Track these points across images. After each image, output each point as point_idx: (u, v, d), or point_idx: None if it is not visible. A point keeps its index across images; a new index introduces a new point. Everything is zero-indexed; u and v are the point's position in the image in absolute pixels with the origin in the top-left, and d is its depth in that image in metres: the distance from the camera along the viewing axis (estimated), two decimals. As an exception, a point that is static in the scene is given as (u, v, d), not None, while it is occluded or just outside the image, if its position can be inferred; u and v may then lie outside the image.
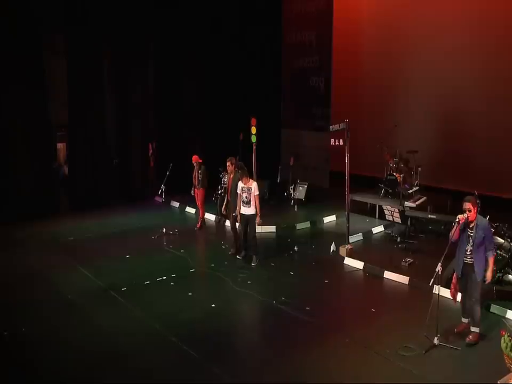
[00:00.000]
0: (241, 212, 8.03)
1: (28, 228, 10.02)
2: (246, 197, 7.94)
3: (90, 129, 11.86)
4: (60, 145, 12.93)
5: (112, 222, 10.69)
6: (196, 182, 10.18)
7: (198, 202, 10.28)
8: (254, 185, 7.95)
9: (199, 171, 10.06)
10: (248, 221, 7.99)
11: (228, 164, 8.78)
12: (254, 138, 10.07)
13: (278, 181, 13.39)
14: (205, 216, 10.56)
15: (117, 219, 10.95)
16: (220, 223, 10.80)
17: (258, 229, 9.90)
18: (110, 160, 12.50)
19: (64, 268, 7.95)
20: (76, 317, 6.33)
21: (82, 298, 6.83)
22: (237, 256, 8.27)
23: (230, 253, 8.49)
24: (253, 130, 10.01)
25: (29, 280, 7.45)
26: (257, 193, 7.93)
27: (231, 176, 8.70)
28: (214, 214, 10.91)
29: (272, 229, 10.10)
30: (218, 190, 11.34)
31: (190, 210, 11.56)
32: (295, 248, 8.93)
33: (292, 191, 11.97)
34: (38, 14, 10.79)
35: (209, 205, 10.94)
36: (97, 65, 11.87)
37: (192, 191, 10.26)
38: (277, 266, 8.13)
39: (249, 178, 8.01)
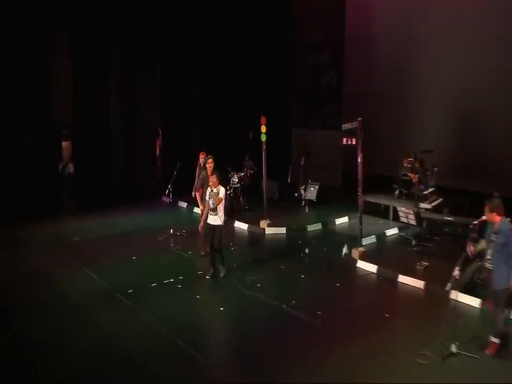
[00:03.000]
0: (208, 221, 7.39)
1: (32, 227, 10.07)
2: (212, 203, 7.26)
3: (95, 128, 11.93)
4: (65, 144, 13.00)
5: (118, 222, 10.71)
6: (197, 180, 10.07)
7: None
8: (221, 189, 7.30)
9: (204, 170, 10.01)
10: (214, 232, 7.34)
11: (210, 161, 8.35)
12: (264, 137, 10.03)
13: (289, 181, 13.42)
14: None
15: (123, 219, 10.98)
16: (227, 223, 10.76)
17: (269, 230, 10.05)
18: (115, 159, 12.54)
19: (68, 268, 7.97)
20: (81, 319, 6.33)
21: (87, 300, 6.83)
22: (206, 276, 7.54)
23: (208, 275, 7.62)
24: (263, 129, 9.97)
25: (33, 280, 7.47)
26: (222, 195, 7.21)
27: (210, 174, 8.26)
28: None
29: (282, 230, 10.10)
30: (227, 191, 11.27)
31: (198, 210, 11.46)
32: (306, 250, 8.93)
33: (302, 192, 11.98)
34: (42, 12, 10.89)
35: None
36: (103, 65, 11.94)
37: (194, 193, 9.68)
38: (287, 269, 8.10)
39: (218, 179, 7.27)
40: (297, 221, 10.69)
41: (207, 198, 7.48)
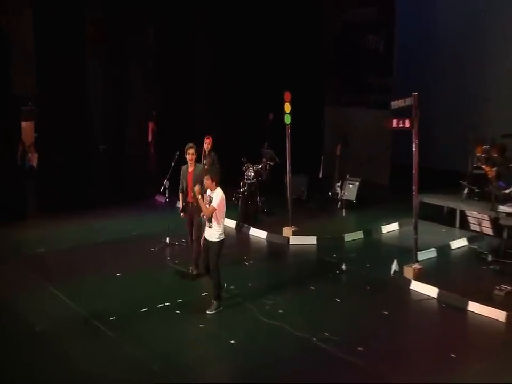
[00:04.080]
0: (204, 235, 7.37)
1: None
2: (195, 189, 7.39)
3: (68, 105, 11.96)
4: (26, 124, 13.11)
5: (98, 228, 10.73)
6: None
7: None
8: (218, 194, 7.15)
9: (206, 159, 10.05)
10: (208, 248, 7.29)
11: (191, 152, 8.39)
12: (288, 119, 10.01)
13: (320, 176, 13.38)
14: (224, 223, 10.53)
15: (104, 224, 11.00)
16: (241, 230, 10.82)
17: (294, 240, 10.02)
18: (95, 146, 12.60)
19: (32, 289, 7.99)
20: (48, 354, 6.30)
21: (56, 329, 6.81)
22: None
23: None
24: (287, 108, 9.96)
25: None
26: (216, 203, 7.08)
27: (190, 170, 8.43)
28: (234, 220, 10.93)
29: (311, 240, 10.08)
30: (240, 188, 11.29)
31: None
32: (343, 266, 8.92)
33: (338, 190, 11.97)
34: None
35: (228, 207, 10.86)
36: (78, 23, 11.97)
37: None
38: (318, 291, 8.06)
39: (216, 182, 7.18)
40: (331, 228, 10.72)
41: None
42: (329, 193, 12.18)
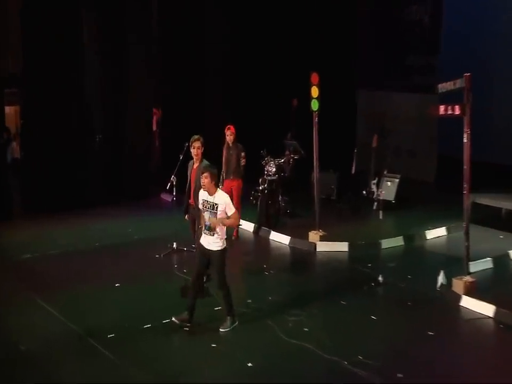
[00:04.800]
0: (200, 242, 7.22)
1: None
2: (209, 217, 7.00)
3: (58, 87, 12.07)
4: (9, 110, 13.22)
5: (95, 231, 10.81)
6: (226, 168, 10.27)
7: (234, 200, 10.31)
8: (221, 199, 6.94)
9: (232, 151, 10.15)
10: (211, 259, 7.14)
11: (197, 145, 8.39)
12: (315, 105, 10.04)
13: (353, 172, 13.45)
14: (240, 224, 10.68)
15: (102, 227, 11.09)
16: (260, 235, 10.89)
17: (322, 246, 10.01)
18: (91, 136, 12.72)
19: (16, 301, 8.02)
20: (35, 377, 6.30)
21: (44, 348, 6.82)
22: (173, 317, 7.23)
23: (175, 319, 7.27)
24: (314, 92, 9.99)
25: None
26: (232, 211, 6.94)
27: (195, 166, 8.46)
28: (252, 222, 11.04)
29: (342, 246, 10.10)
30: (259, 185, 11.30)
31: None
32: (380, 278, 8.90)
33: (374, 188, 12.01)
34: None
35: (245, 207, 11.00)
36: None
37: (221, 183, 10.25)
38: (350, 306, 8.04)
39: (215, 183, 7.01)
40: (365, 232, 10.77)
41: (200, 206, 7.21)
42: (364, 192, 12.23)
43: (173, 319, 7.24)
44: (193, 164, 8.57)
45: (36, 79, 12.02)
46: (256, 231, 10.99)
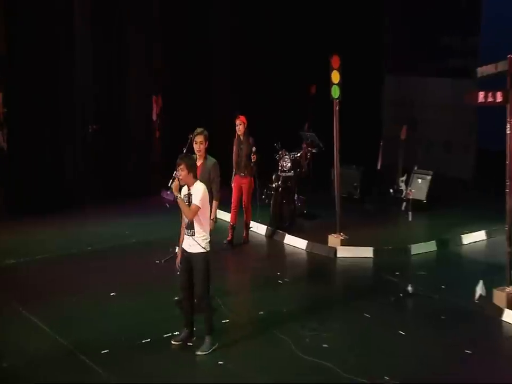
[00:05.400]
0: (182, 245, 7.21)
1: None
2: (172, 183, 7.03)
3: (46, 73, 12.06)
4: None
5: (87, 234, 10.83)
6: (236, 163, 10.33)
7: (244, 199, 10.45)
8: (196, 188, 6.93)
9: (242, 145, 10.16)
10: (191, 264, 7.07)
11: (199, 140, 8.40)
12: (336, 92, 9.99)
13: (379, 167, 13.44)
14: (251, 226, 10.72)
15: (96, 229, 11.10)
16: (273, 238, 10.87)
17: (343, 251, 10.01)
18: (83, 126, 12.71)
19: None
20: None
21: (29, 366, 6.78)
22: (172, 341, 7.22)
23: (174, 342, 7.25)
24: (335, 77, 9.94)
25: None
26: (198, 200, 6.85)
27: (198, 164, 8.32)
28: (265, 224, 11.05)
29: (366, 252, 10.11)
30: (273, 182, 11.29)
31: (223, 214, 11.56)
32: (408, 288, 8.82)
33: (403, 186, 11.97)
34: None
35: (257, 207, 11.03)
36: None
37: (231, 181, 10.39)
38: (375, 319, 8.00)
39: (194, 174, 6.97)
40: (393, 236, 10.76)
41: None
42: (391, 191, 12.21)
43: (172, 342, 7.21)
44: (196, 159, 8.47)
45: (21, 63, 12.03)
46: (269, 234, 10.99)
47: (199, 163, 8.40)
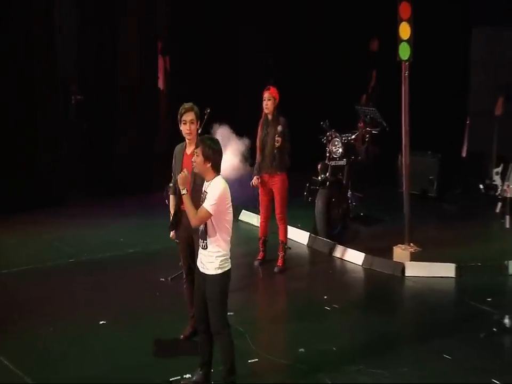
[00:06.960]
0: (197, 263, 7.21)
1: None
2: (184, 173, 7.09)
3: (20, 28, 12.24)
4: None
5: (69, 242, 10.95)
6: (260, 155, 10.19)
7: (277, 206, 10.31)
8: (213, 187, 6.83)
9: (270, 129, 10.08)
10: (206, 285, 7.05)
11: (189, 118, 8.09)
12: (405, 52, 9.95)
13: (464, 154, 13.38)
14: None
15: (80, 235, 11.24)
16: (318, 249, 10.90)
17: (414, 268, 10.01)
18: (66, 98, 12.94)
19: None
20: None
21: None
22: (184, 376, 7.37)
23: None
24: (404, 31, 9.91)
25: None
26: (212, 202, 6.72)
27: (188, 152, 8.19)
28: (307, 231, 11.13)
29: (446, 270, 10.11)
30: (318, 175, 11.19)
31: (249, 217, 11.68)
32: (505, 320, 8.80)
33: (498, 180, 11.96)
34: None
35: (297, 208, 11.03)
36: None
37: (257, 178, 10.15)
38: (458, 361, 7.93)
39: (214, 166, 6.86)
40: (483, 248, 10.72)
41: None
42: (481, 186, 12.18)
43: (186, 376, 7.27)
44: (184, 147, 8.37)
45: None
46: (312, 244, 11.00)
47: (189, 150, 8.21)
